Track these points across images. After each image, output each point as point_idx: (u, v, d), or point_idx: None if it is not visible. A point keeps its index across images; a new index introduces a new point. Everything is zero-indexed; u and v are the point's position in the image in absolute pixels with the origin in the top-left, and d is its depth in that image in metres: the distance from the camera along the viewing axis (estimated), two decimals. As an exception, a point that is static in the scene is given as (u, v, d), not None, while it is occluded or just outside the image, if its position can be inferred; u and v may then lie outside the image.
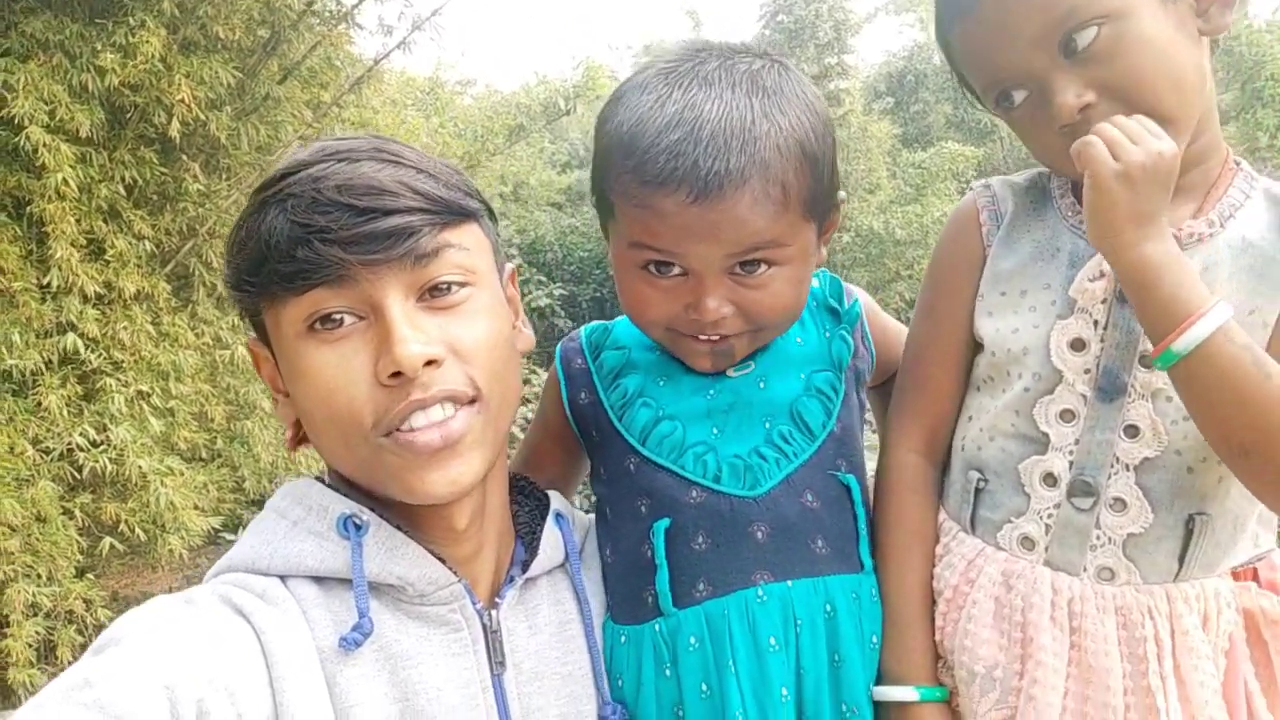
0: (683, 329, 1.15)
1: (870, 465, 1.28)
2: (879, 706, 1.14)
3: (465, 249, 1.02)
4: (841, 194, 1.22)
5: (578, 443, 1.33)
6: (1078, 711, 1.05)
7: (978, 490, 1.16)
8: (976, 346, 1.20)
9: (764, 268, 1.10)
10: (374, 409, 0.97)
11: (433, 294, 1.00)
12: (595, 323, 1.35)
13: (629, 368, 1.25)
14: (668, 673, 1.13)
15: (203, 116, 5.96)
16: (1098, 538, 1.07)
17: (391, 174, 0.98)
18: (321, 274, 0.94)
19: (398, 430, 0.98)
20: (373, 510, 1.05)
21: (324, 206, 0.95)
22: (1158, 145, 0.97)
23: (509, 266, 1.18)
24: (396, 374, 0.95)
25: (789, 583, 1.12)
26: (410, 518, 1.07)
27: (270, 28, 6.72)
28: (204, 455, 6.87)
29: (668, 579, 1.14)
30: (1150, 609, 1.05)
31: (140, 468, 5.54)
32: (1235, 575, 1.10)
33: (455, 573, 1.06)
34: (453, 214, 1.02)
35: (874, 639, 1.15)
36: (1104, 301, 1.07)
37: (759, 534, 1.13)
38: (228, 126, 6.30)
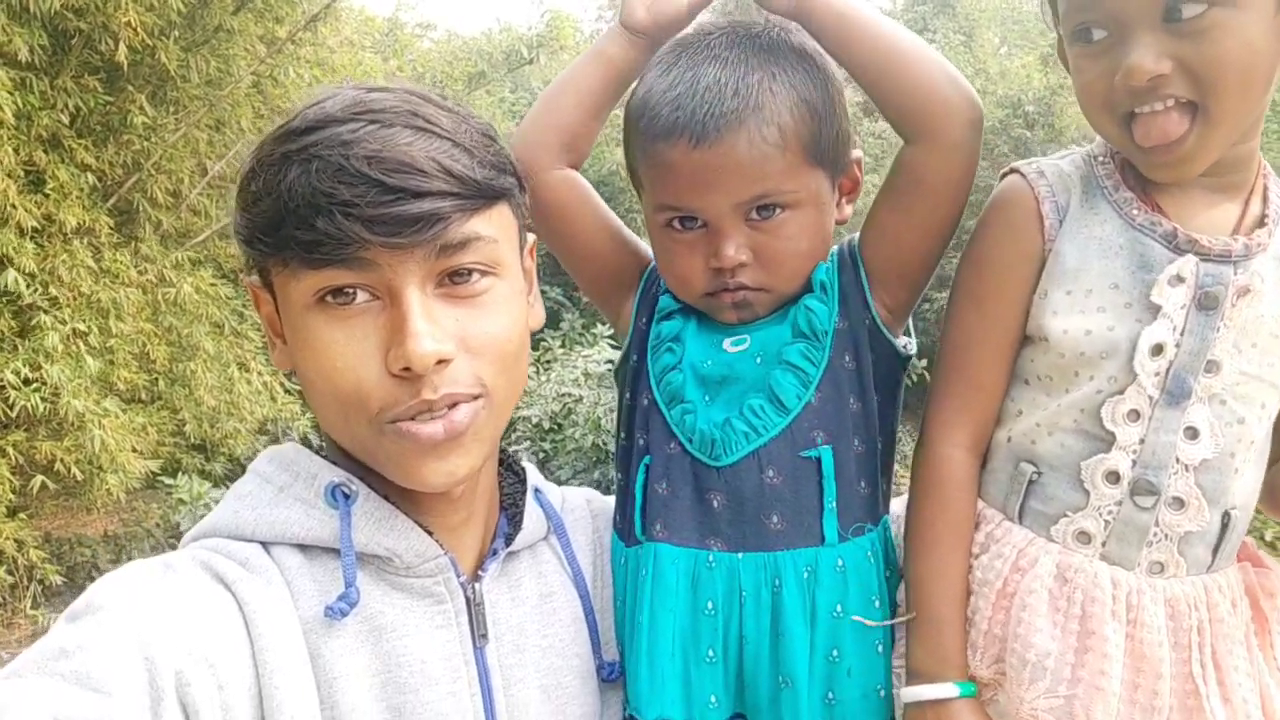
0: (710, 288, 1.21)
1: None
2: (908, 706, 1.14)
3: (494, 240, 0.99)
4: (857, 152, 1.27)
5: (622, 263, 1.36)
6: (1128, 699, 1.08)
7: (1030, 482, 1.16)
8: (1025, 339, 1.19)
9: (778, 212, 1.17)
10: (381, 397, 0.95)
11: (453, 279, 0.97)
12: None
13: (674, 313, 1.29)
14: (632, 597, 1.21)
15: (150, 44, 5.72)
16: (1155, 535, 1.10)
17: (424, 148, 0.93)
18: (341, 251, 0.90)
19: (401, 420, 0.96)
20: (361, 479, 1.04)
21: (350, 177, 0.90)
22: None
23: (530, 238, 1.15)
24: (407, 368, 0.92)
25: (739, 555, 1.16)
26: (400, 488, 1.04)
27: (225, -44, 6.47)
28: (144, 397, 6.71)
29: (639, 510, 1.22)
30: (1195, 600, 1.10)
31: (76, 408, 5.38)
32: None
33: (441, 545, 1.05)
34: (484, 198, 0.98)
35: (837, 609, 1.15)
36: (1183, 307, 1.07)
37: (715, 501, 1.18)
38: (177, 57, 6.07)
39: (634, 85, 1.25)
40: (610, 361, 8.87)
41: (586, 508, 1.33)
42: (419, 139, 0.93)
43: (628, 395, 1.31)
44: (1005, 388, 1.20)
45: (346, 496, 1.01)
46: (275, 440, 8.85)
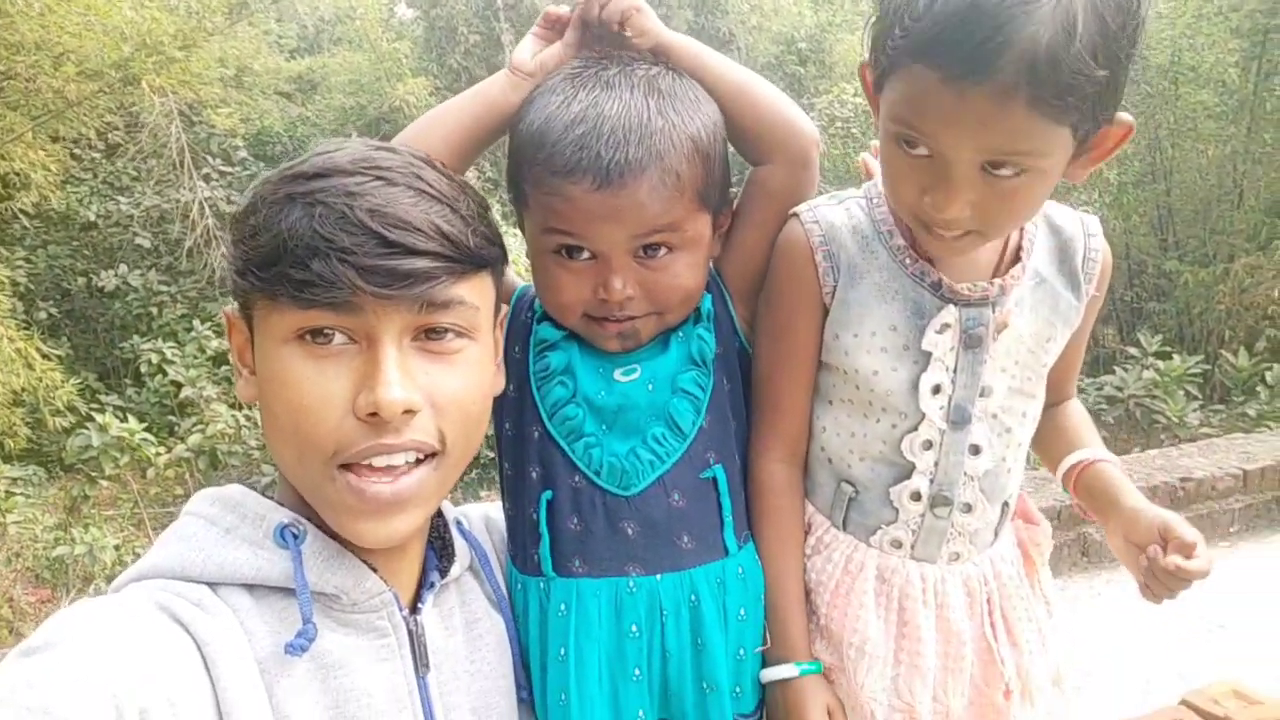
0: (594, 313, 1.24)
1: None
2: (765, 687, 1.29)
3: (474, 307, 1.03)
4: (734, 190, 1.35)
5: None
6: (943, 667, 1.32)
7: (850, 499, 1.33)
8: (826, 365, 1.32)
9: (664, 251, 1.20)
10: (339, 439, 0.96)
11: (429, 336, 1.01)
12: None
13: (559, 344, 1.30)
14: (539, 629, 1.25)
15: None
16: (951, 534, 1.31)
17: (425, 209, 0.98)
18: (330, 293, 0.93)
19: (355, 465, 0.98)
20: (308, 518, 1.05)
21: (352, 226, 0.94)
22: None
23: (502, 310, 1.21)
24: (374, 413, 0.95)
25: (657, 576, 1.23)
26: None
27: None
28: None
29: (548, 547, 1.25)
30: (985, 576, 1.33)
31: None
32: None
33: (385, 581, 1.07)
34: (472, 264, 1.03)
35: (741, 612, 1.27)
36: (952, 349, 1.24)
37: (629, 530, 1.24)
38: None
39: (523, 110, 1.24)
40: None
41: (486, 531, 1.35)
42: (420, 200, 0.99)
43: (508, 426, 1.32)
44: (808, 405, 1.34)
45: (295, 537, 1.02)
46: (35, 412, 8.01)
